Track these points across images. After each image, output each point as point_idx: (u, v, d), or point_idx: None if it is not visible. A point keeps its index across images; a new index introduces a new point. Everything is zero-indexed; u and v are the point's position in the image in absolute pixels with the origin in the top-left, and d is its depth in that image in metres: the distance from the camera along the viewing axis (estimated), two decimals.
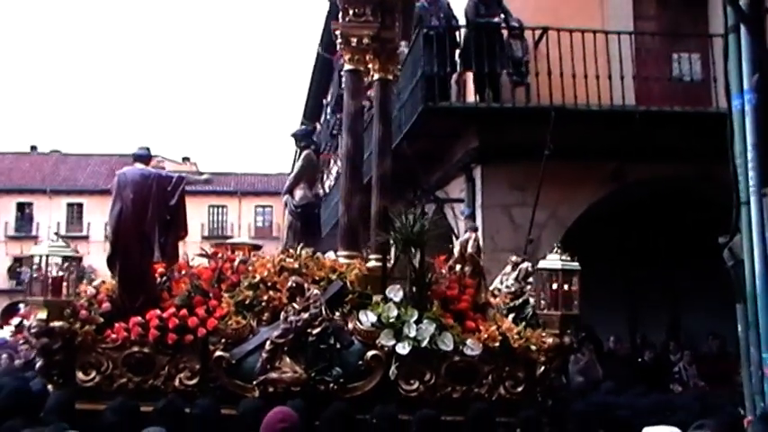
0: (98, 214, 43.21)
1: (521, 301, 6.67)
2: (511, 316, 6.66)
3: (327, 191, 23.95)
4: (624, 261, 15.11)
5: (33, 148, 46.46)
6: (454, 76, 10.76)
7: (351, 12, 6.93)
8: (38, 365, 6.24)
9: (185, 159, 49.92)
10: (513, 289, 6.79)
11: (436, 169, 12.38)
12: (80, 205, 43.61)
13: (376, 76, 7.21)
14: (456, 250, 7.29)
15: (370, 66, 7.20)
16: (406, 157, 10.82)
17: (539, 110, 9.93)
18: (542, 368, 6.10)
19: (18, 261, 37.32)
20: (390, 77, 7.28)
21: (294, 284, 6.19)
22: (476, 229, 7.41)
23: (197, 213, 44.22)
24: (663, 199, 12.30)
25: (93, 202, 43.48)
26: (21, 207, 42.40)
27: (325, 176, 27.40)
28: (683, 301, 15.17)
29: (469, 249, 7.11)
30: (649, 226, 13.83)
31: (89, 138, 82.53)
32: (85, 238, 40.48)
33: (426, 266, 6.67)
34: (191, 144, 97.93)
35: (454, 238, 11.34)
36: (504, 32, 10.66)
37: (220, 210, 45.38)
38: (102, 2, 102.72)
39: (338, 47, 7.07)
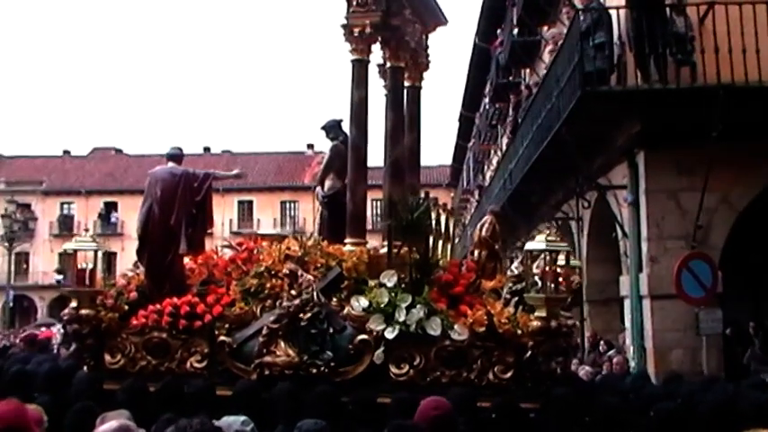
0: (268, 210, 45.91)
1: (524, 284, 6.48)
2: (514, 300, 6.51)
3: (489, 181, 23.94)
4: None
5: (206, 149, 49.69)
6: (614, 59, 10.21)
7: (354, 2, 7.05)
8: (71, 349, 6.92)
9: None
10: (516, 272, 6.62)
11: (597, 155, 11.81)
12: (250, 203, 46.27)
13: (387, 64, 7.28)
14: (475, 235, 7.24)
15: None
16: (565, 143, 10.58)
17: (706, 90, 9.21)
18: (529, 352, 5.93)
19: None
20: (402, 65, 7.32)
21: (288, 271, 6.43)
22: (495, 213, 7.29)
23: None
24: None
25: (263, 198, 46.03)
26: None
27: (485, 167, 27.40)
28: None
29: (483, 233, 7.04)
30: None
31: (258, 137, 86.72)
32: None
33: (431, 252, 6.71)
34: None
35: (617, 227, 11.09)
36: (667, 9, 9.90)
37: (377, 203, 46.39)
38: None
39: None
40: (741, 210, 10.10)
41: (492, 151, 25.42)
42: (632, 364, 10.09)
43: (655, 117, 9.76)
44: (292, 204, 46.19)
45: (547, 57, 14.22)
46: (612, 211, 11.41)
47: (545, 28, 15.68)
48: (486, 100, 23.14)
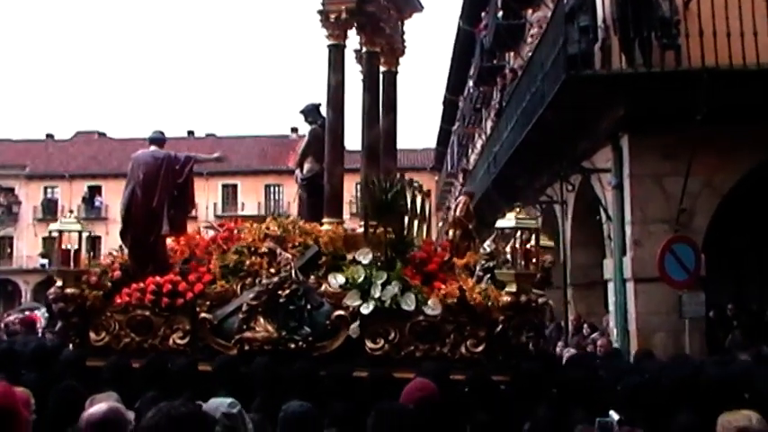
0: (252, 194, 45.94)
1: (496, 261, 6.70)
2: (486, 277, 6.74)
3: (473, 165, 24.13)
4: None
5: (190, 132, 49.50)
6: (598, 42, 10.22)
7: None
8: (57, 327, 7.12)
9: None
10: (489, 250, 6.85)
11: (582, 139, 11.83)
12: (234, 186, 46.29)
13: (363, 50, 7.46)
14: (450, 215, 7.46)
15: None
16: (550, 127, 10.66)
17: (690, 73, 9.15)
18: (500, 327, 6.18)
19: None
20: (377, 50, 7.50)
21: (267, 249, 6.65)
22: (469, 194, 7.52)
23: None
24: None
25: (247, 182, 46.05)
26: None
27: (470, 150, 27.53)
28: None
29: (457, 213, 7.27)
30: None
31: (242, 121, 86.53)
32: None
33: (406, 232, 6.93)
34: None
35: (602, 210, 11.19)
36: None
37: (360, 186, 46.46)
38: None
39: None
40: (724, 194, 10.13)
41: (476, 134, 25.50)
42: (616, 346, 10.08)
43: (639, 101, 9.76)
44: (277, 188, 46.22)
45: (531, 40, 14.28)
46: (597, 194, 11.48)
47: (530, 11, 15.70)
48: (471, 83, 23.22)
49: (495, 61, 19.41)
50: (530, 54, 12.95)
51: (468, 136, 27.20)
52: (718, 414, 5.15)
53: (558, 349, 10.90)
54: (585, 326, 12.43)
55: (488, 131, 19.86)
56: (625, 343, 10.10)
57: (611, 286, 10.91)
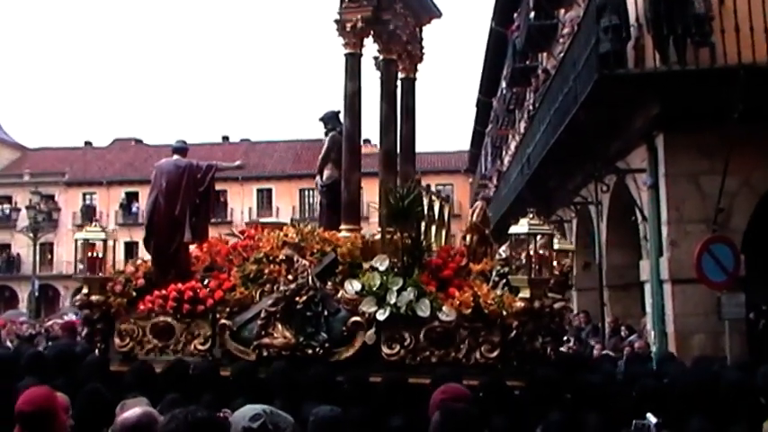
0: (287, 197, 46.22)
1: (510, 267, 6.72)
2: (501, 282, 6.77)
3: (507, 166, 24.05)
4: None
5: (225, 138, 50.16)
6: (631, 41, 10.15)
7: None
8: (83, 333, 7.29)
9: (366, 141, 51.56)
10: (504, 256, 6.87)
11: (616, 139, 11.77)
12: (269, 191, 46.66)
13: (380, 57, 7.53)
14: (468, 220, 7.50)
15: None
16: (583, 127, 10.60)
17: (726, 70, 8.98)
18: (514, 332, 6.20)
19: None
20: (394, 57, 7.56)
21: (284, 257, 6.75)
22: (486, 199, 7.54)
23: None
24: None
25: (282, 186, 46.32)
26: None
27: (504, 152, 27.43)
28: None
29: (474, 219, 7.30)
30: None
31: (276, 125, 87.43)
32: None
33: (423, 237, 6.97)
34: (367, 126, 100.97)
35: (637, 210, 11.08)
36: None
37: None
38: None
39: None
40: (763, 193, 9.96)
41: (510, 136, 25.39)
42: (653, 348, 10.05)
43: (674, 99, 9.63)
44: (311, 192, 46.24)
45: (563, 40, 14.12)
46: (632, 194, 11.36)
47: (562, 11, 15.68)
48: (504, 84, 23.15)
49: (527, 62, 19.36)
50: (562, 54, 12.88)
51: (502, 137, 27.08)
52: (736, 419, 5.14)
53: (594, 352, 10.81)
54: (623, 328, 12.29)
55: (522, 132, 19.78)
56: (663, 345, 9.94)
57: (647, 288, 10.78)
